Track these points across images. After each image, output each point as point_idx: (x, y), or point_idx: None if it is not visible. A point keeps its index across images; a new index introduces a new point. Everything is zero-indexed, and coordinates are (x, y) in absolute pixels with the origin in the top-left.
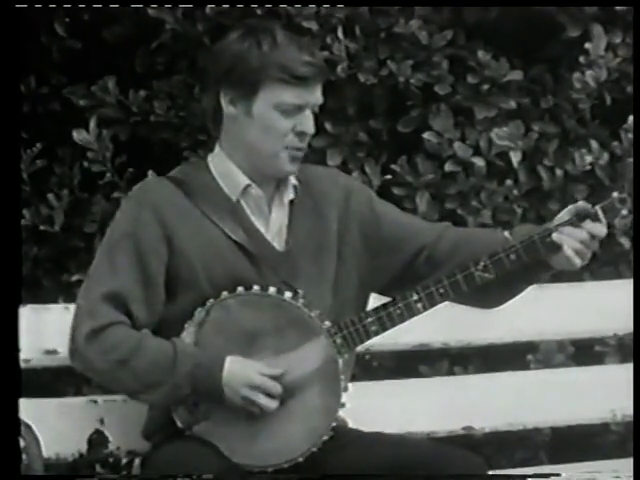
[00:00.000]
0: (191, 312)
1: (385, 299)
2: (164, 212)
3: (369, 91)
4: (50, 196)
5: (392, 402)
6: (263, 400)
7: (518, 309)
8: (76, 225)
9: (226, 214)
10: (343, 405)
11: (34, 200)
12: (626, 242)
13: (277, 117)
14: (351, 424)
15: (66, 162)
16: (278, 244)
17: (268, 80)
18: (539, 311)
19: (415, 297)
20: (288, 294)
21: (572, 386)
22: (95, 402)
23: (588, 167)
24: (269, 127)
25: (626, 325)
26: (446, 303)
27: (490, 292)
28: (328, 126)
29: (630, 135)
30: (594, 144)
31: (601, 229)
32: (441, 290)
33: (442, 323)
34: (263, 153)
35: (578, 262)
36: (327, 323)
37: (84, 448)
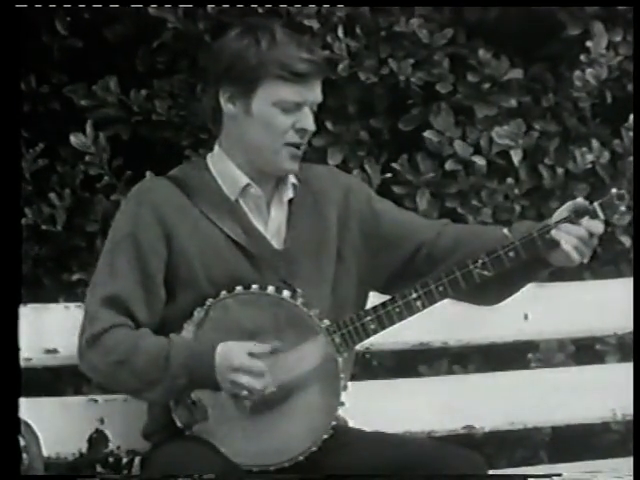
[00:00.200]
0: (190, 311)
1: (384, 297)
2: (163, 211)
3: (370, 90)
4: (52, 195)
5: (392, 401)
6: (244, 379)
7: (518, 308)
8: (77, 224)
9: (225, 213)
10: (343, 404)
11: (36, 199)
12: (627, 240)
13: (276, 114)
14: (351, 423)
15: (68, 161)
16: (277, 243)
17: (267, 77)
18: (539, 310)
19: (414, 295)
20: (287, 293)
21: (572, 385)
22: (95, 401)
23: (589, 165)
24: (268, 124)
25: (626, 324)
26: (445, 302)
27: (489, 289)
28: (329, 125)
29: (631, 133)
30: (595, 142)
31: (599, 226)
32: (440, 288)
33: (442, 322)
34: (263, 150)
35: (577, 259)
36: (326, 322)
37: (84, 447)
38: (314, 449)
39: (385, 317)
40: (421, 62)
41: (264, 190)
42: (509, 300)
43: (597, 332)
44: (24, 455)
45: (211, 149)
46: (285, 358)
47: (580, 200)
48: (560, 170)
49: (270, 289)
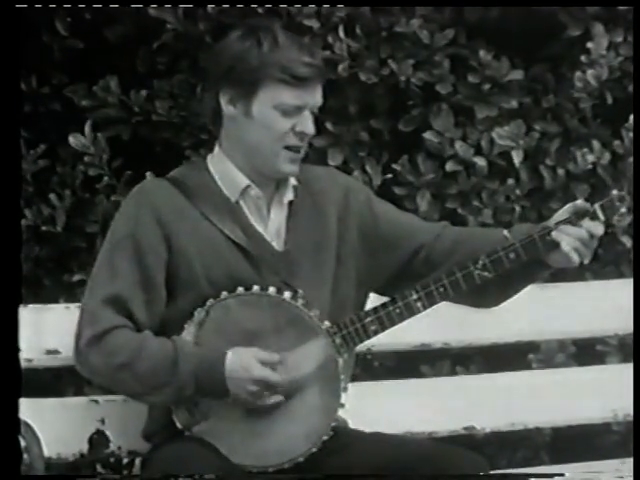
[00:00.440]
0: (191, 312)
1: (384, 299)
2: (163, 212)
3: (370, 90)
4: (52, 196)
5: (393, 402)
6: (262, 391)
7: (519, 309)
8: (78, 225)
9: (225, 214)
10: (343, 405)
11: (36, 200)
12: (627, 241)
13: (276, 117)
14: (352, 424)
15: (68, 162)
16: (277, 244)
17: (268, 80)
18: (540, 311)
19: (414, 296)
20: (287, 294)
21: (573, 386)
22: (96, 402)
23: (590, 166)
24: (268, 127)
25: (627, 325)
26: (446, 303)
27: (489, 291)
28: (329, 125)
29: (632, 134)
30: (596, 143)
31: (600, 227)
32: (440, 289)
33: (443, 323)
34: (262, 153)
35: (577, 260)
36: (326, 323)
37: (85, 448)
38: (314, 450)
39: (386, 318)
40: (422, 63)
41: (264, 191)
42: (510, 301)
43: (598, 333)
44: (25, 455)
45: (211, 150)
46: (286, 359)
47: (580, 201)
48: (561, 171)
49: (271, 290)
